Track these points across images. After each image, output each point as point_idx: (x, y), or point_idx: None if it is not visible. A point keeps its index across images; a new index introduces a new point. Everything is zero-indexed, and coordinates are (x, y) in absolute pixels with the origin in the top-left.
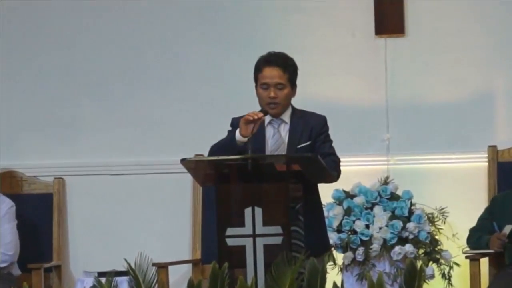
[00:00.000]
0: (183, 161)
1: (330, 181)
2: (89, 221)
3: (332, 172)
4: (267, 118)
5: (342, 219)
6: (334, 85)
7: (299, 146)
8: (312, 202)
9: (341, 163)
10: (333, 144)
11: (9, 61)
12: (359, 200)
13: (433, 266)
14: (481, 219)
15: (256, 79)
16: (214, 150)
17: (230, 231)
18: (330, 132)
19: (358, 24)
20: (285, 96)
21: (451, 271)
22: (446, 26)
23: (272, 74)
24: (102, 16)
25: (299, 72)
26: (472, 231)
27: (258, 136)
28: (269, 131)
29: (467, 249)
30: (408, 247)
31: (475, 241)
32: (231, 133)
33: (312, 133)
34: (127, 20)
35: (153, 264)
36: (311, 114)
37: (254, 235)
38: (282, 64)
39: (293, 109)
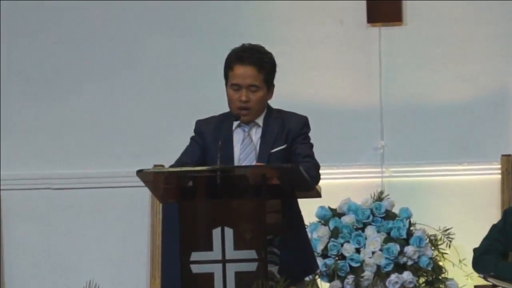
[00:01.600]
0: (140, 172)
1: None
2: (27, 244)
3: (312, 183)
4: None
5: (328, 242)
6: (318, 82)
7: (272, 150)
8: (291, 217)
9: (327, 176)
10: (317, 153)
11: None
12: (348, 219)
13: None
14: (491, 239)
15: (226, 77)
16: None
17: (195, 255)
18: (313, 137)
19: (347, 10)
20: (259, 99)
21: None
22: (450, 13)
23: (244, 73)
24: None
25: (277, 68)
26: (478, 253)
27: (224, 142)
28: (238, 135)
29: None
30: (407, 275)
31: (492, 267)
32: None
33: (289, 135)
34: (77, 9)
35: None
36: (290, 114)
37: (224, 261)
38: (257, 62)
39: (269, 109)
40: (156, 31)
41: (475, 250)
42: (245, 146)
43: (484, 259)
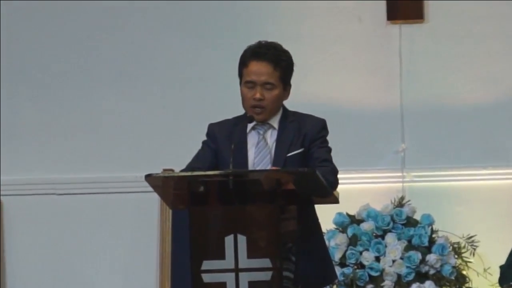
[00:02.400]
0: (148, 177)
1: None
2: (30, 251)
3: (330, 188)
4: (251, 123)
5: (346, 250)
6: (336, 83)
7: (289, 154)
8: (309, 224)
9: (345, 181)
10: (334, 157)
11: None
12: (367, 226)
13: None
14: None
15: (240, 75)
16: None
17: (206, 264)
18: (331, 141)
19: (366, 7)
20: (274, 98)
21: None
22: (474, 9)
23: (260, 70)
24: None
25: (294, 68)
26: (503, 269)
27: (238, 145)
28: (252, 138)
29: None
30: (429, 285)
31: None
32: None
33: (306, 139)
34: (80, 9)
35: None
36: (307, 117)
37: (236, 270)
38: (273, 59)
39: (285, 111)
40: (165, 32)
41: (501, 267)
42: (260, 150)
43: (508, 272)
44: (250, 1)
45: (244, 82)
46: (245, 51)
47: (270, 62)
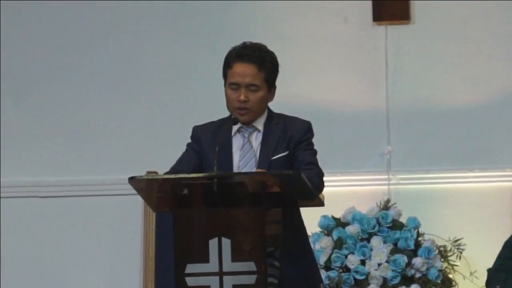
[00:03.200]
0: (132, 180)
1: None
2: (12, 254)
3: (315, 191)
4: (236, 125)
5: (332, 253)
6: (321, 84)
7: (274, 157)
8: (293, 227)
9: (330, 184)
10: (320, 159)
11: None
12: (352, 229)
13: None
14: (503, 258)
15: (225, 76)
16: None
17: (190, 267)
18: (316, 143)
19: (352, 8)
20: (258, 100)
21: None
22: (461, 10)
23: (244, 72)
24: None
25: (279, 69)
26: (492, 272)
27: (223, 148)
28: (237, 141)
29: None
30: None
31: (501, 282)
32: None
33: (291, 142)
34: (68, 13)
35: None
36: (292, 119)
37: (221, 273)
38: (258, 60)
39: (270, 113)
40: (150, 35)
41: (488, 270)
42: (245, 153)
43: (494, 276)
44: (235, 2)
45: (229, 84)
46: (230, 52)
47: (254, 63)
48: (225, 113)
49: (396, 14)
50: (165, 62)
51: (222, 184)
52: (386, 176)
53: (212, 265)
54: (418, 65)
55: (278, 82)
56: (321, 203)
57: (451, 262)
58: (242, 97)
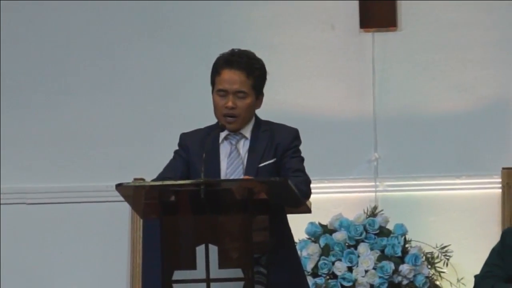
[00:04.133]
0: (119, 186)
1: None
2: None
3: (302, 197)
4: (223, 133)
5: (319, 260)
6: (308, 91)
7: (261, 165)
8: (280, 233)
9: (317, 190)
10: (306, 166)
11: None
12: (339, 236)
13: None
14: (490, 265)
15: (213, 83)
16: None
17: (178, 274)
18: (303, 150)
19: (339, 15)
20: (246, 107)
21: None
22: (448, 17)
23: (232, 78)
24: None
25: (267, 76)
26: (480, 278)
27: (210, 155)
28: (225, 149)
29: None
30: None
31: None
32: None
33: (278, 149)
34: (50, 12)
35: None
36: (280, 126)
37: (208, 280)
38: (246, 67)
39: (257, 120)
40: (135, 41)
41: (475, 276)
42: (232, 160)
43: (481, 283)
44: (223, 9)
45: (216, 91)
46: (218, 59)
47: (242, 70)
48: (213, 120)
49: (383, 21)
50: (152, 70)
51: (209, 191)
52: (373, 183)
53: (199, 272)
54: (405, 72)
55: (265, 89)
56: (308, 210)
57: (438, 269)
58: (230, 104)
